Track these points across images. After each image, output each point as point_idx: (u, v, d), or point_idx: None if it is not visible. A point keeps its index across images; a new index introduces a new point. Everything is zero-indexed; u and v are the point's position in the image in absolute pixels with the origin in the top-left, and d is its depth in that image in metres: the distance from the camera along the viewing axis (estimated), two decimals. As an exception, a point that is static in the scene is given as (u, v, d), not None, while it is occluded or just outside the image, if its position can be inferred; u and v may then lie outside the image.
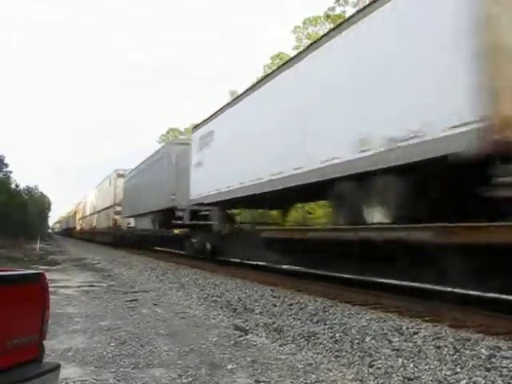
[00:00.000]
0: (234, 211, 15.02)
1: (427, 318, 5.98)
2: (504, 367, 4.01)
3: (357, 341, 5.16)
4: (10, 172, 46.55)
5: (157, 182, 20.11)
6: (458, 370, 4.06)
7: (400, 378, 3.98)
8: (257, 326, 6.20)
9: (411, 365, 4.27)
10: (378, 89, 7.14)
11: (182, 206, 16.66)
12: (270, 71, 15.64)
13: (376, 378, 4.07)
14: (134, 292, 9.66)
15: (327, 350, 4.96)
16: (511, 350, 4.43)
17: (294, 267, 12.22)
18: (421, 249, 6.43)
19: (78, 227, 58.41)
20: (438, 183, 6.56)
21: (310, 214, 20.09)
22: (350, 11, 23.62)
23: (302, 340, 5.41)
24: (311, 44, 9.83)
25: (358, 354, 4.73)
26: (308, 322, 6.30)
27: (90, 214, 44.70)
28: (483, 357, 4.30)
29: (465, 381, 3.82)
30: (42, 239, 40.07)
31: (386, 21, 7.08)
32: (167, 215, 18.33)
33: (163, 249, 24.40)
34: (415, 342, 4.91)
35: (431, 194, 6.52)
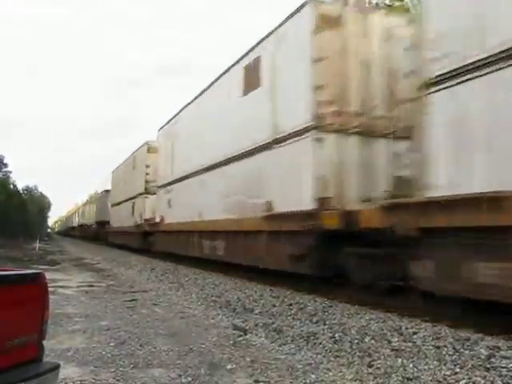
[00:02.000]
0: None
1: (427, 318, 5.98)
2: (503, 367, 4.02)
3: (356, 341, 5.16)
4: (10, 172, 46.61)
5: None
6: (458, 370, 4.06)
7: (399, 378, 3.98)
8: (256, 325, 6.20)
9: (411, 365, 4.27)
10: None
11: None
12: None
13: (375, 377, 4.07)
14: (134, 292, 9.66)
15: (326, 350, 4.96)
16: (510, 350, 4.44)
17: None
18: None
19: (116, 222, 29.00)
20: None
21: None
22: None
23: (301, 340, 5.41)
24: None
25: (358, 354, 4.73)
26: (307, 322, 6.30)
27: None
28: (482, 357, 4.31)
29: (464, 381, 3.82)
30: (42, 239, 40.10)
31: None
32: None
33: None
34: (415, 342, 4.91)
35: None
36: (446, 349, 4.60)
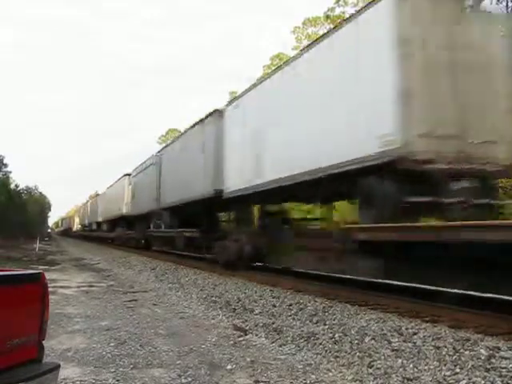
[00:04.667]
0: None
1: (427, 319, 5.97)
2: (503, 368, 4.01)
3: (356, 341, 5.16)
4: (10, 172, 46.59)
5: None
6: (458, 370, 4.06)
7: (399, 379, 3.99)
8: (256, 326, 6.20)
9: (411, 365, 4.27)
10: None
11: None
12: (269, 71, 14.98)
13: (375, 378, 4.07)
14: (134, 292, 9.66)
15: (327, 351, 4.96)
16: (510, 351, 4.43)
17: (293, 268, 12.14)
18: None
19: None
20: None
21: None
22: (349, 11, 23.59)
23: (301, 340, 5.41)
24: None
25: (358, 354, 4.73)
26: (307, 322, 6.30)
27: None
28: (482, 357, 4.30)
29: (464, 381, 3.82)
30: (42, 239, 40.09)
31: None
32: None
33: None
34: (415, 343, 4.91)
35: None
36: (445, 349, 4.59)
